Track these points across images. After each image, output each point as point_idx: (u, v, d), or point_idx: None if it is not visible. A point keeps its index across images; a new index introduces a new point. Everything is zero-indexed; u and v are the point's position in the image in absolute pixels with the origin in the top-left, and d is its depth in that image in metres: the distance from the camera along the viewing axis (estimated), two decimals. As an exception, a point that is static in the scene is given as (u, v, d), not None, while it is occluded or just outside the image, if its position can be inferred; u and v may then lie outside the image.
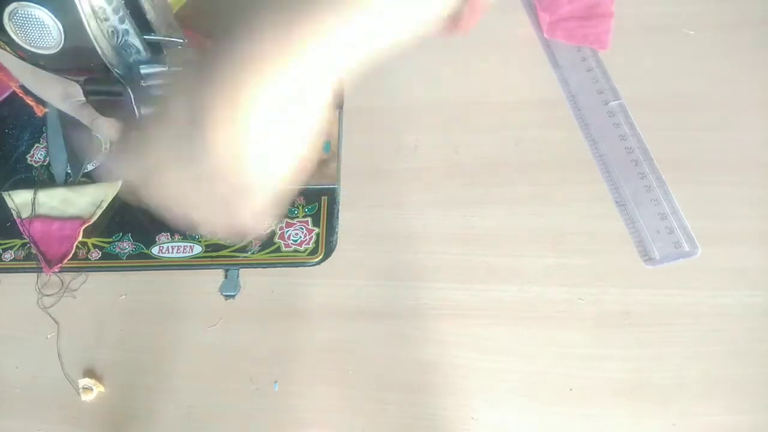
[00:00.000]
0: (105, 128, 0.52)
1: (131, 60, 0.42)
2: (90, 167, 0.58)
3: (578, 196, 0.52)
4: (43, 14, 0.36)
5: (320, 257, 0.52)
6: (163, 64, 0.43)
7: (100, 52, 0.38)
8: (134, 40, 0.41)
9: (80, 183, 0.57)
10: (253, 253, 0.53)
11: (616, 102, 0.55)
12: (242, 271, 0.53)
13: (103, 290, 0.53)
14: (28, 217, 0.56)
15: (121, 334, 0.51)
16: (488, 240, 0.51)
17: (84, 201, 0.56)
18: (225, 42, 0.31)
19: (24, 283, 0.54)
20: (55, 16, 0.37)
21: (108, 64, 0.40)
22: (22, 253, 0.55)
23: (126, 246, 0.54)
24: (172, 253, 0.53)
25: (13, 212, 0.56)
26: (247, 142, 0.31)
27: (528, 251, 0.51)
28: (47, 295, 0.53)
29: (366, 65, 0.33)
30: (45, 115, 0.61)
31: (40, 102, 0.59)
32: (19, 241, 0.55)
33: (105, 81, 0.42)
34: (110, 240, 0.55)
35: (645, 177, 0.52)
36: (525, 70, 0.59)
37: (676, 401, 0.45)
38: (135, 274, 0.54)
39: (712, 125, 0.54)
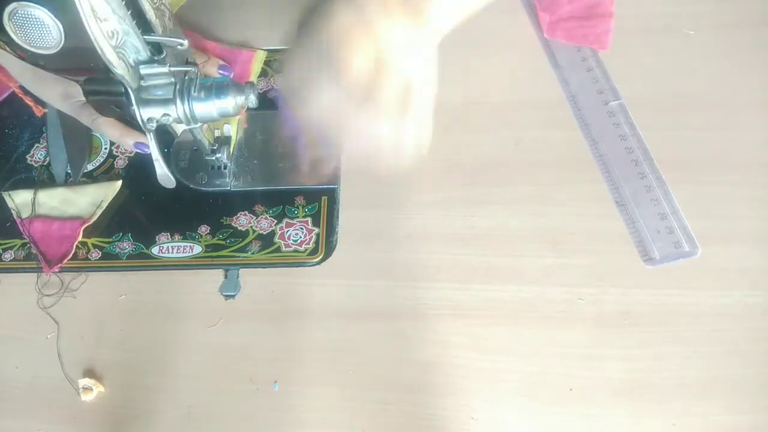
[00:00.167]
0: (105, 128, 0.52)
1: (131, 60, 0.42)
2: (90, 167, 0.58)
3: (578, 196, 0.52)
4: (43, 14, 0.36)
5: (320, 257, 0.52)
6: (163, 64, 0.43)
7: (100, 52, 0.38)
8: (134, 40, 0.41)
9: (80, 183, 0.58)
10: (253, 253, 0.53)
11: (616, 102, 0.55)
12: (242, 271, 0.53)
13: (103, 290, 0.53)
14: (28, 217, 0.56)
15: (121, 334, 0.51)
16: (488, 240, 0.51)
17: (84, 201, 0.56)
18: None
19: (24, 283, 0.54)
20: (55, 16, 0.37)
21: (108, 64, 0.40)
22: (22, 253, 0.55)
23: (126, 246, 0.54)
24: (172, 253, 0.53)
25: (13, 212, 0.56)
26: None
27: (528, 251, 0.51)
28: (47, 295, 0.53)
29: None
30: (45, 115, 0.61)
31: (40, 102, 0.59)
32: (19, 241, 0.55)
33: (105, 81, 0.42)
34: (110, 240, 0.55)
35: (645, 177, 0.52)
36: (525, 70, 0.59)
37: (676, 401, 0.45)
38: (135, 274, 0.54)
39: (712, 125, 0.54)
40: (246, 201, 0.55)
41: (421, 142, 0.41)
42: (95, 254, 0.54)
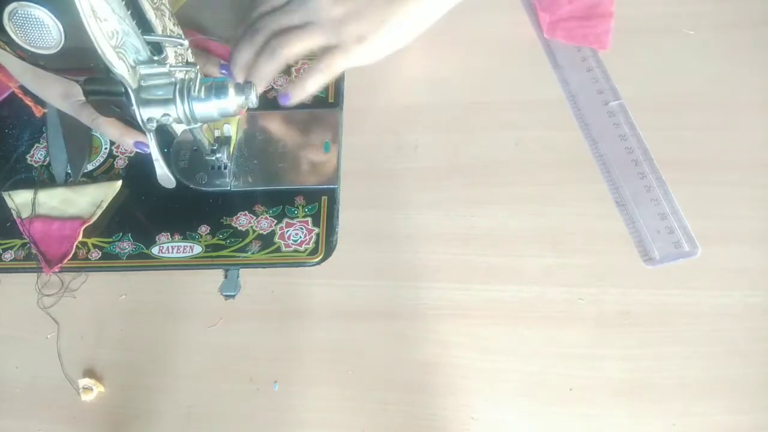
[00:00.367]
0: (105, 128, 0.52)
1: (131, 60, 0.42)
2: (90, 167, 0.58)
3: (578, 196, 0.52)
4: (43, 14, 0.36)
5: (320, 257, 0.52)
6: (163, 64, 0.43)
7: (100, 52, 0.38)
8: (134, 40, 0.41)
9: (80, 183, 0.58)
10: (253, 253, 0.53)
11: (616, 102, 0.55)
12: (242, 271, 0.53)
13: (103, 290, 0.53)
14: (28, 217, 0.56)
15: (121, 334, 0.51)
16: (488, 240, 0.51)
17: (84, 201, 0.56)
18: None
19: (24, 283, 0.54)
20: (55, 16, 0.37)
21: (108, 64, 0.39)
22: (22, 253, 0.55)
23: (126, 246, 0.54)
24: (172, 253, 0.53)
25: (13, 212, 0.56)
26: None
27: (528, 251, 0.51)
28: (47, 295, 0.53)
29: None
30: (45, 115, 0.61)
31: (40, 102, 0.59)
32: (19, 241, 0.55)
33: (105, 81, 0.42)
34: (110, 240, 0.55)
35: (645, 177, 0.52)
36: (525, 70, 0.59)
37: (676, 401, 0.45)
38: (135, 274, 0.54)
39: (712, 125, 0.54)
40: (246, 201, 0.55)
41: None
42: (95, 254, 0.54)
